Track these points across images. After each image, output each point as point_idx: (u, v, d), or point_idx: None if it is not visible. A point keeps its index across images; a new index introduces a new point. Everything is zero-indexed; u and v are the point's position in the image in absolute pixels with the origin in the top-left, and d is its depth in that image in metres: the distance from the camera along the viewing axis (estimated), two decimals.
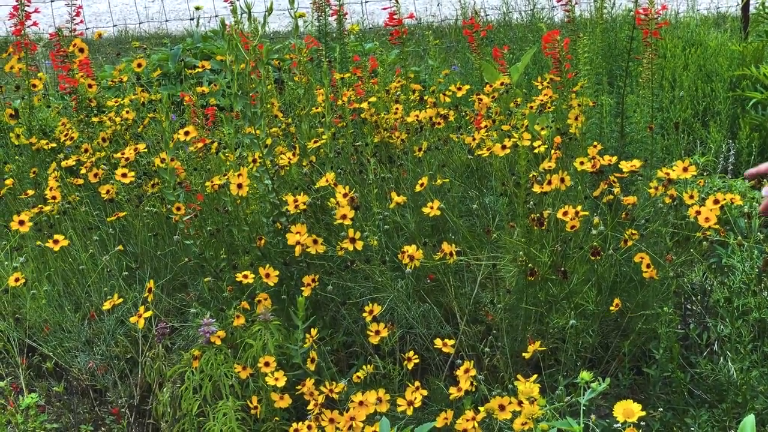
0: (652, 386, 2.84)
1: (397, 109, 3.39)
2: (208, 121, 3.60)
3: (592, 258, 2.70)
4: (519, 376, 2.43)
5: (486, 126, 3.05)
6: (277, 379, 2.57)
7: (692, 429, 2.67)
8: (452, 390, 2.47)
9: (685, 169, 2.82)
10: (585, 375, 2.14)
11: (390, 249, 2.94)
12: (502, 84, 3.34)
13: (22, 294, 2.97)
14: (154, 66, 5.22)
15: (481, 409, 2.30)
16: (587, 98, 3.21)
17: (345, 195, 2.75)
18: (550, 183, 2.78)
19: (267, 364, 2.59)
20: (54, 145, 3.42)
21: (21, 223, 2.78)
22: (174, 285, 3.12)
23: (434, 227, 3.25)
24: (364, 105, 3.40)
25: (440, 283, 2.99)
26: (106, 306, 2.71)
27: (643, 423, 2.79)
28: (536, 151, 3.02)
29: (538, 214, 2.75)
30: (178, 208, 2.79)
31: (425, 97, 3.53)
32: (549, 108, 3.30)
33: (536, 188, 2.81)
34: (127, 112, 3.44)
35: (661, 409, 2.77)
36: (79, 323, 2.98)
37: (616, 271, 2.92)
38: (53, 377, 3.27)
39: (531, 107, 3.24)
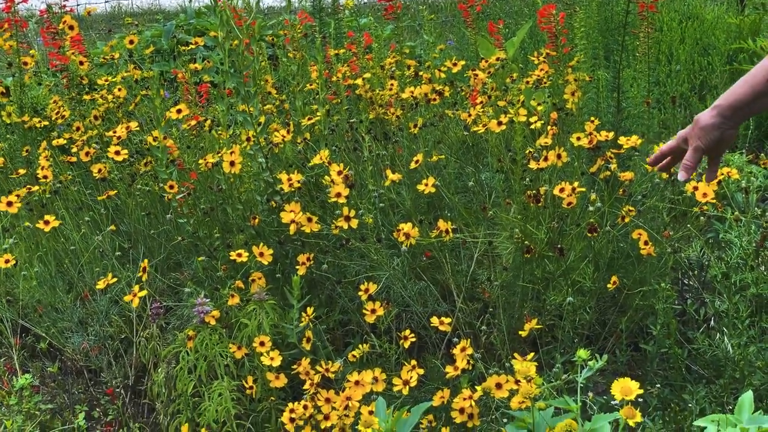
0: (650, 362, 2.82)
1: (392, 85, 3.36)
2: (202, 98, 3.57)
3: (589, 235, 2.68)
4: (516, 355, 2.42)
5: (482, 102, 3.02)
6: (272, 359, 2.55)
7: (690, 405, 2.65)
8: (449, 369, 2.45)
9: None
10: (582, 353, 2.12)
11: (386, 227, 2.92)
12: (497, 59, 3.31)
13: (15, 274, 2.94)
14: (147, 42, 5.17)
15: (478, 388, 2.28)
16: (584, 73, 3.18)
17: (339, 173, 2.72)
18: (546, 159, 2.75)
19: (262, 343, 2.57)
20: (46, 123, 3.38)
21: (9, 204, 2.75)
22: (168, 264, 3.10)
23: (430, 204, 3.23)
24: (359, 81, 3.37)
25: (436, 261, 2.97)
26: (100, 285, 2.69)
27: (640, 400, 2.78)
28: (533, 126, 2.99)
29: (534, 191, 2.72)
30: (171, 187, 2.76)
31: (420, 73, 3.50)
32: (545, 83, 3.27)
33: (533, 165, 2.78)
34: (119, 89, 3.40)
35: (658, 386, 2.75)
36: (72, 304, 2.95)
37: (614, 247, 2.90)
38: (47, 357, 3.25)
39: (527, 82, 3.20)
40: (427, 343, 3.03)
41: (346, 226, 2.63)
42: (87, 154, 3.05)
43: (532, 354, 2.41)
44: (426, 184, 2.79)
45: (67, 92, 3.42)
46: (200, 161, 2.88)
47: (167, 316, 2.92)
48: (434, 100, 3.23)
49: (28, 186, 2.96)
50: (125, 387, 3.04)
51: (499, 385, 2.30)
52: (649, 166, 2.32)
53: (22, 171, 3.10)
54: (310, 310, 2.61)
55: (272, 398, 2.64)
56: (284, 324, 2.64)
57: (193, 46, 3.85)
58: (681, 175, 2.14)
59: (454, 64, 3.28)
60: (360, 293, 2.63)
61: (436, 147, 3.20)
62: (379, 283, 2.75)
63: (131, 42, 3.58)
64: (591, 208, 2.70)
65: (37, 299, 2.98)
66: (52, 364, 3.21)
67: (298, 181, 2.72)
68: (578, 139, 2.93)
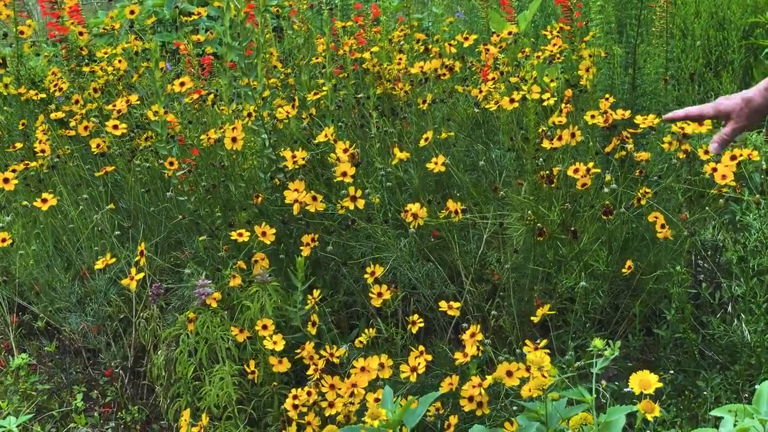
0: (663, 348, 2.74)
1: (400, 59, 3.26)
2: (204, 71, 3.47)
3: (604, 217, 2.58)
4: (527, 342, 2.33)
5: (493, 78, 2.91)
6: (275, 343, 2.47)
7: (704, 393, 2.57)
8: (458, 355, 2.37)
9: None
10: (597, 342, 2.03)
11: (393, 206, 2.83)
12: (509, 33, 3.20)
13: (11, 252, 2.85)
14: (149, 12, 5.06)
15: (488, 377, 2.20)
16: (599, 48, 3.07)
17: (345, 151, 2.63)
18: (560, 139, 2.66)
19: (265, 327, 2.49)
20: (44, 95, 3.28)
21: (6, 180, 2.65)
22: (169, 242, 3.01)
23: (438, 182, 3.13)
24: (366, 55, 3.27)
25: (444, 241, 2.88)
26: (99, 265, 2.60)
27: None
28: (545, 104, 2.90)
29: (547, 171, 2.63)
30: (171, 163, 2.67)
31: (429, 47, 3.39)
32: (558, 59, 3.16)
33: (545, 144, 2.69)
34: (120, 61, 3.30)
35: (672, 372, 2.67)
36: (70, 284, 2.87)
37: (628, 229, 2.81)
38: (45, 336, 3.18)
39: (539, 57, 3.09)
40: (435, 326, 2.95)
41: (352, 207, 2.54)
42: (85, 128, 2.95)
43: (544, 341, 2.33)
44: (436, 163, 2.69)
45: (66, 63, 3.32)
46: (202, 137, 2.78)
47: (168, 296, 2.84)
48: (444, 75, 3.13)
49: (25, 161, 2.87)
50: (124, 368, 2.97)
51: (509, 373, 2.22)
52: (665, 120, 2.25)
53: (18, 145, 3.01)
54: (316, 293, 2.53)
55: (275, 383, 2.56)
56: (288, 307, 2.56)
57: (196, 17, 3.74)
58: (714, 147, 2.10)
59: (466, 38, 3.18)
60: (366, 276, 2.55)
61: (445, 124, 3.10)
62: (385, 265, 2.66)
63: (132, 12, 3.48)
64: (606, 190, 2.61)
65: (35, 278, 2.89)
66: (50, 342, 3.13)
67: (303, 159, 2.63)
68: (592, 117, 2.83)
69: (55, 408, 2.93)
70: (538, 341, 2.48)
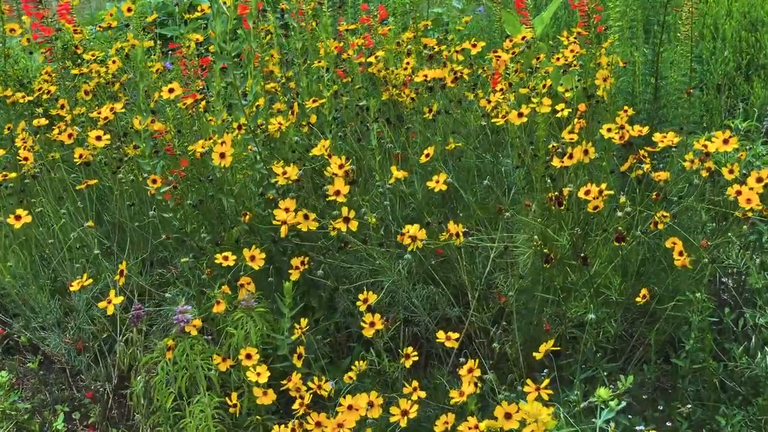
0: (681, 378, 2.56)
1: (407, 63, 3.07)
2: (204, 71, 3.30)
3: (617, 244, 2.39)
4: (528, 382, 2.15)
5: (502, 89, 2.72)
6: (259, 374, 2.30)
7: (725, 430, 2.39)
8: (453, 393, 2.19)
9: (725, 141, 2.49)
10: (602, 392, 1.86)
11: (395, 221, 2.65)
12: (523, 38, 3.00)
13: None
14: (158, 4, 4.88)
15: (482, 425, 2.02)
16: (618, 57, 2.87)
17: (341, 166, 2.45)
18: (571, 157, 2.46)
19: (249, 356, 2.33)
20: (31, 98, 3.11)
21: None
22: (155, 258, 2.84)
23: (444, 195, 2.94)
24: (372, 59, 3.08)
25: (449, 259, 2.70)
26: (74, 288, 2.44)
27: (668, 424, 2.53)
28: (559, 115, 2.69)
29: (556, 192, 2.44)
30: (154, 181, 2.49)
31: (441, 48, 3.19)
32: (574, 66, 2.95)
33: (556, 162, 2.49)
34: (114, 62, 3.13)
35: (690, 405, 2.49)
36: (48, 302, 2.71)
37: (644, 253, 2.61)
38: (28, 350, 3.03)
39: (557, 59, 2.88)
40: (437, 350, 2.78)
41: (344, 229, 2.36)
42: (70, 136, 2.79)
43: (546, 381, 2.14)
44: (437, 181, 2.51)
45: (59, 64, 3.15)
46: (190, 148, 2.61)
47: (152, 315, 2.68)
48: (453, 83, 2.93)
49: (4, 173, 2.70)
50: (108, 388, 2.81)
51: (508, 415, 2.04)
52: None
53: (1, 151, 2.85)
54: (303, 322, 2.35)
55: (258, 417, 2.39)
56: (274, 334, 2.39)
57: (199, 14, 3.57)
58: None
59: (474, 45, 2.98)
60: (358, 303, 2.37)
61: (451, 135, 2.91)
62: (382, 289, 2.49)
63: (129, 9, 3.30)
64: (620, 213, 2.41)
65: (13, 296, 2.74)
66: (34, 357, 2.98)
67: (295, 175, 2.45)
68: (608, 131, 2.64)
69: (36, 429, 2.78)
70: (544, 374, 2.31)
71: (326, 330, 2.69)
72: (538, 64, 2.95)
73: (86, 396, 2.78)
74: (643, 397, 2.60)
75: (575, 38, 2.99)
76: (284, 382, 2.33)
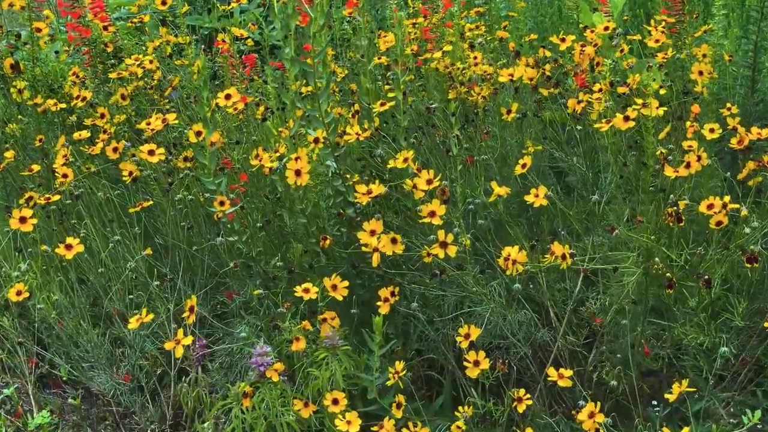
0: None
1: (475, 58, 2.79)
2: (247, 69, 3.01)
3: (747, 266, 2.12)
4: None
5: (600, 89, 2.43)
6: (349, 423, 2.03)
7: None
8: None
9: None
10: None
11: (482, 243, 2.37)
12: (605, 29, 2.71)
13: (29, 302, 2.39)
14: None
15: None
16: (723, 48, 2.59)
17: (429, 182, 2.17)
18: (689, 166, 2.19)
19: (335, 401, 2.05)
20: (63, 105, 2.81)
21: (22, 220, 2.18)
22: (213, 282, 2.55)
23: (522, 204, 2.67)
24: (437, 54, 2.80)
25: (532, 276, 2.43)
26: (132, 325, 2.16)
27: None
28: (653, 114, 2.41)
29: (674, 208, 2.16)
30: (222, 203, 2.20)
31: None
32: (662, 58, 2.66)
33: (668, 171, 2.22)
34: (150, 62, 2.84)
35: None
36: (99, 339, 2.42)
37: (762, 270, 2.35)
38: (68, 384, 2.75)
39: (653, 55, 2.60)
40: (523, 376, 2.52)
41: (442, 255, 2.08)
42: (114, 149, 2.49)
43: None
44: (537, 195, 2.23)
45: (90, 68, 2.85)
46: (253, 161, 2.32)
47: (212, 349, 2.40)
48: (531, 80, 2.65)
49: (47, 196, 2.39)
50: (158, 429, 2.54)
51: None
52: None
53: (36, 167, 2.55)
54: (399, 366, 2.07)
55: None
56: (361, 375, 2.12)
57: (235, 5, 3.27)
58: None
59: (563, 40, 2.69)
60: (458, 338, 2.10)
61: (534, 139, 2.64)
62: (477, 318, 2.22)
63: (164, 3, 3.00)
64: (747, 229, 2.14)
65: (57, 330, 2.45)
66: (75, 391, 2.70)
67: (380, 193, 2.17)
68: (711, 131, 2.38)
69: None
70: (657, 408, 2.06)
71: (404, 358, 2.41)
72: (621, 57, 2.67)
73: None
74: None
75: (662, 28, 2.70)
76: (375, 429, 2.05)
